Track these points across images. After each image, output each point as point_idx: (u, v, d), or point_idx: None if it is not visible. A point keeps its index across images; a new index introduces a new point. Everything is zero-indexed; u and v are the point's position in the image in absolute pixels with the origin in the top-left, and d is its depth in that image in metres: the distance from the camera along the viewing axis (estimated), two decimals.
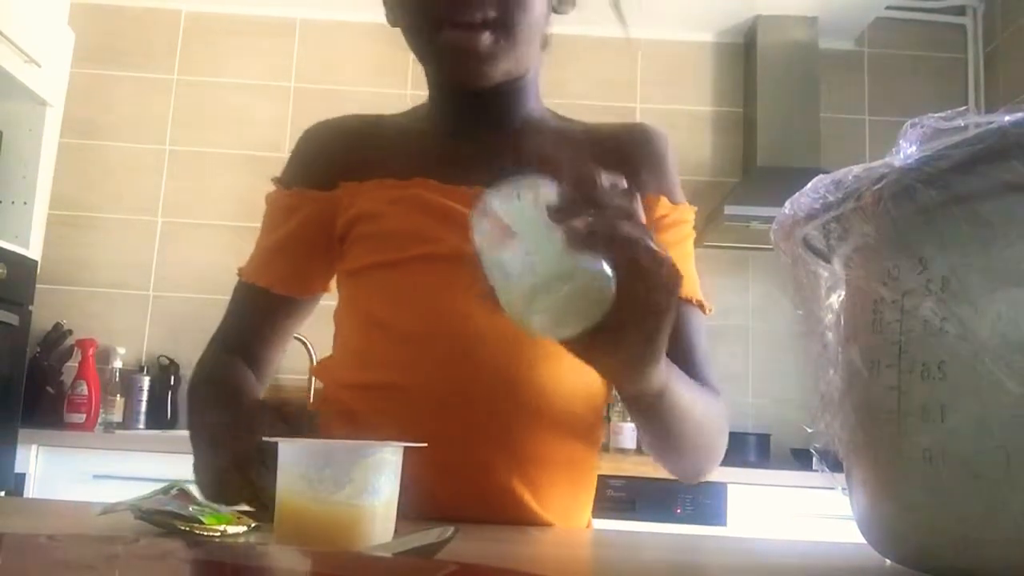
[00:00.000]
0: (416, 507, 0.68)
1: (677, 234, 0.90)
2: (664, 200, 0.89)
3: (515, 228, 0.56)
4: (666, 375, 0.69)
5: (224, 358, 0.91)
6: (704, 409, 0.82)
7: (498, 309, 0.57)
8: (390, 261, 0.85)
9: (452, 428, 0.80)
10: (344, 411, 0.87)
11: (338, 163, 0.91)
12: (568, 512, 0.87)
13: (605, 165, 0.88)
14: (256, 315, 0.94)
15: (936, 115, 0.47)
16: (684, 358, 0.83)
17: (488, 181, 0.62)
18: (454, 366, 0.81)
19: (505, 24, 0.80)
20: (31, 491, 2.35)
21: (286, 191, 0.93)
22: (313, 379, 2.80)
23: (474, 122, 0.90)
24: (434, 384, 0.81)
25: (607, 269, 0.55)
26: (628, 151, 0.91)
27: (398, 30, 0.87)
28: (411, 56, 0.86)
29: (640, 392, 0.68)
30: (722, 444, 0.88)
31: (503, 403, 0.81)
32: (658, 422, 0.76)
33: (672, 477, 0.90)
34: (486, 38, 0.79)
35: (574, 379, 0.83)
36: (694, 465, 0.88)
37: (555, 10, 0.89)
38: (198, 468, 0.73)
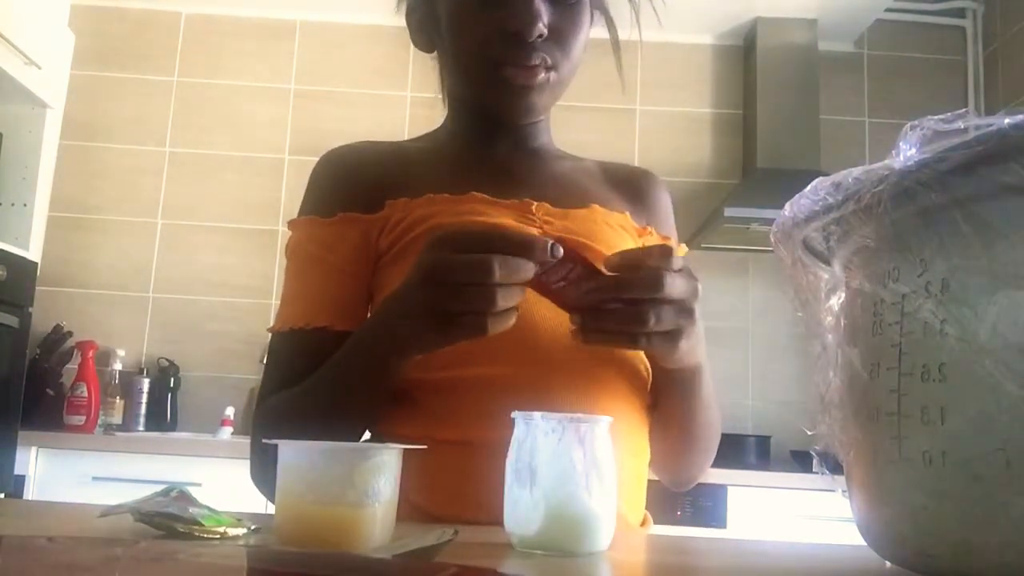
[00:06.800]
0: (470, 492, 0.75)
1: None
2: (672, 241, 0.98)
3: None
4: (703, 358, 0.82)
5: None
6: (715, 409, 0.92)
7: None
8: None
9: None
10: (406, 401, 0.84)
11: (383, 183, 0.89)
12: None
13: (624, 199, 0.97)
14: (313, 362, 0.81)
15: (936, 117, 0.47)
16: None
17: (534, 196, 0.74)
18: (527, 353, 0.81)
19: (556, 67, 0.87)
20: (31, 493, 2.35)
21: (326, 220, 0.88)
22: None
23: (499, 146, 0.94)
24: (504, 374, 0.80)
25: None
26: (643, 190, 1.00)
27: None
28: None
29: (684, 365, 0.79)
30: (715, 448, 0.97)
31: (570, 396, 0.81)
32: (688, 403, 0.86)
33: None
34: (542, 78, 0.86)
35: (635, 382, 0.87)
36: (695, 465, 0.96)
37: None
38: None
